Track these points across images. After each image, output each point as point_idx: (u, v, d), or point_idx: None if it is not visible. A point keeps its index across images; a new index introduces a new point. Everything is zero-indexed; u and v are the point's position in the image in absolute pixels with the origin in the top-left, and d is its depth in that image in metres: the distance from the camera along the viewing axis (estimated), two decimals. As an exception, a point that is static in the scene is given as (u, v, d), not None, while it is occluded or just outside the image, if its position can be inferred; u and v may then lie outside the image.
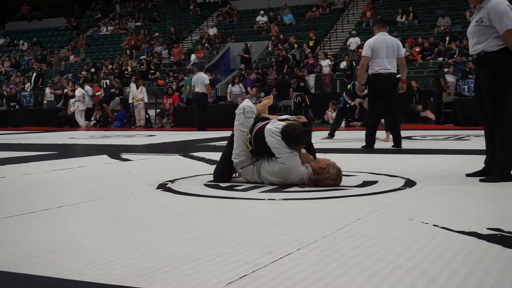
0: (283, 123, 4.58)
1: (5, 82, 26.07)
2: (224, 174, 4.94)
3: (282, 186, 4.53)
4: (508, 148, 4.67)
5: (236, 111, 4.86)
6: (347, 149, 8.19)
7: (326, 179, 4.44)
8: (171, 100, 18.89)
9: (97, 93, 20.60)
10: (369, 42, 8.14)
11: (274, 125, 4.55)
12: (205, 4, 31.52)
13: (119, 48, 28.49)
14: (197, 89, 16.11)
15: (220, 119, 15.77)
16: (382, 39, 8.02)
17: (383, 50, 7.90)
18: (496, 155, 4.77)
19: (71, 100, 20.16)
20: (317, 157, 4.71)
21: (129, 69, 24.15)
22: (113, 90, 20.21)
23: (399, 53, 8.02)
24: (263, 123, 4.68)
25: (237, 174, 4.95)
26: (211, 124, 15.90)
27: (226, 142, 5.12)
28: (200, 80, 16.07)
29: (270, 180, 4.57)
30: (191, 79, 19.77)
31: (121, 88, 19.99)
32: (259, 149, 4.63)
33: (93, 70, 24.39)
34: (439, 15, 22.85)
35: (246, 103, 4.93)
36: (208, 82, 16.49)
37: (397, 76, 8.22)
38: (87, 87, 20.40)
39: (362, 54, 8.20)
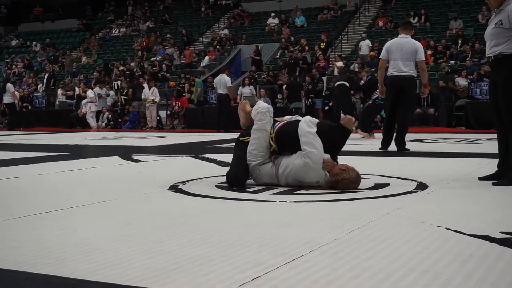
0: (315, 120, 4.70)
1: (17, 83, 26.20)
2: (243, 178, 4.82)
3: (293, 188, 4.54)
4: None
5: (258, 110, 4.78)
6: (359, 152, 8.17)
7: (345, 179, 4.41)
8: (179, 102, 18.91)
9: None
10: (386, 44, 8.22)
11: (310, 118, 4.67)
12: (216, 6, 31.55)
13: (131, 49, 28.57)
14: (219, 91, 16.31)
15: (232, 121, 15.83)
16: (399, 41, 8.01)
17: (398, 53, 7.89)
18: (509, 159, 4.74)
19: (83, 101, 20.26)
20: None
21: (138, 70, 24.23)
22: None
23: (417, 56, 7.95)
24: (283, 122, 4.77)
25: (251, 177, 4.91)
26: (222, 126, 16.00)
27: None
28: (223, 82, 16.27)
29: (286, 177, 4.55)
30: (202, 81, 19.89)
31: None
32: (283, 145, 4.67)
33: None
34: (451, 18, 22.74)
35: (266, 104, 4.93)
36: (231, 85, 16.66)
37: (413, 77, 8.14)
38: (97, 88, 20.46)
39: (380, 57, 8.32)
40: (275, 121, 4.83)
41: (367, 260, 2.44)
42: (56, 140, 13.24)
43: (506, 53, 4.69)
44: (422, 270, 2.29)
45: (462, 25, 22.03)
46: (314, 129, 4.54)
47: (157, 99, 18.73)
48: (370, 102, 11.44)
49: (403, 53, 7.89)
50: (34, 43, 33.03)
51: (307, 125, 4.56)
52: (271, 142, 4.70)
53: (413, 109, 14.59)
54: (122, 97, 20.34)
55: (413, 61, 7.95)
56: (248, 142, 4.78)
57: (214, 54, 24.86)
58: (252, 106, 5.08)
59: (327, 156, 4.54)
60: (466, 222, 3.20)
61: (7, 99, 20.00)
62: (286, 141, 4.66)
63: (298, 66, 20.50)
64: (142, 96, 18.98)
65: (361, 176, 4.58)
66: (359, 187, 4.50)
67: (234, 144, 5.06)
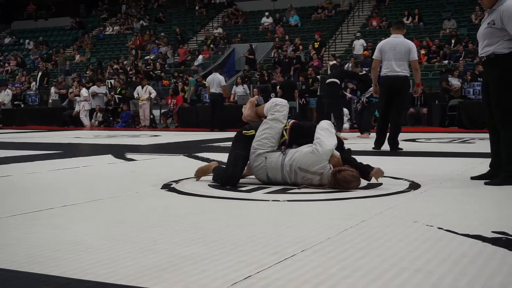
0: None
1: (10, 81, 26.12)
2: (238, 179, 4.80)
3: (286, 187, 4.54)
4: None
5: (277, 102, 4.84)
6: (352, 151, 8.17)
7: (347, 171, 4.40)
8: (175, 100, 18.92)
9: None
10: (379, 44, 8.23)
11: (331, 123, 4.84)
12: (210, 5, 31.53)
13: (125, 48, 28.52)
14: (212, 90, 16.24)
15: (226, 120, 15.84)
16: (392, 41, 8.02)
17: (391, 53, 7.90)
18: (501, 159, 4.75)
19: (77, 98, 20.19)
20: None
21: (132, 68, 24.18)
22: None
23: (410, 56, 7.96)
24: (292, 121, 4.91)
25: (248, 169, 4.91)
26: (216, 125, 15.98)
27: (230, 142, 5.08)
28: (216, 81, 16.21)
29: (291, 164, 4.53)
30: (195, 80, 19.87)
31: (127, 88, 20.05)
32: (296, 138, 4.71)
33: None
34: (445, 17, 22.81)
35: (281, 99, 5.00)
36: (225, 84, 16.61)
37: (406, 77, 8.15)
38: (94, 87, 20.38)
39: (373, 57, 8.33)
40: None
41: (359, 260, 2.45)
42: (49, 138, 13.20)
43: (498, 53, 4.70)
44: (414, 270, 2.29)
45: (456, 25, 22.09)
46: (334, 131, 4.67)
47: (153, 95, 18.72)
48: (366, 100, 11.45)
49: (396, 53, 7.91)
50: (27, 41, 32.92)
51: (328, 125, 4.69)
52: (284, 133, 4.73)
53: (406, 108, 14.62)
54: (116, 96, 20.27)
55: (406, 61, 7.97)
56: (250, 135, 4.78)
57: (208, 53, 24.85)
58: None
59: (337, 153, 4.56)
60: (458, 221, 3.21)
61: None
62: (300, 135, 4.71)
63: (292, 66, 20.50)
64: (135, 95, 18.93)
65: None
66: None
67: (228, 143, 5.04)
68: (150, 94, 18.63)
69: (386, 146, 8.10)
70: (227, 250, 2.63)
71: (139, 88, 18.85)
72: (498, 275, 2.23)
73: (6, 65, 30.12)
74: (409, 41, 8.24)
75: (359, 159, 4.90)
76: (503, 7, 4.68)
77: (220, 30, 27.42)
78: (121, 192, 4.55)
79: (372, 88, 11.16)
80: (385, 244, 2.71)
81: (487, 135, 5.09)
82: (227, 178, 4.79)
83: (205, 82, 18.70)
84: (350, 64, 19.09)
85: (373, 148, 8.20)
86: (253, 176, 4.89)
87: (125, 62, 25.07)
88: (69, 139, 12.55)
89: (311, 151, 4.50)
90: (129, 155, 7.95)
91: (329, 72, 19.27)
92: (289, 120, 4.88)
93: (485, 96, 4.93)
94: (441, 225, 3.09)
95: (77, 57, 28.93)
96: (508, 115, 4.69)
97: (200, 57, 24.49)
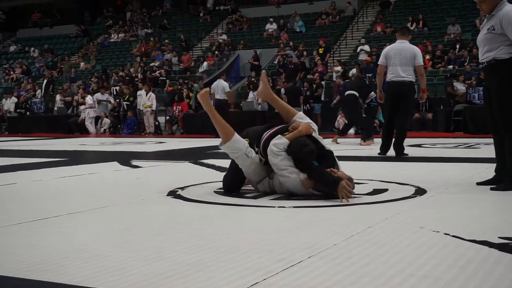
0: (285, 141, 4.41)
1: (16, 89, 26.20)
2: (236, 188, 4.79)
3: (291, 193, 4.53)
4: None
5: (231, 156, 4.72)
6: (357, 157, 8.17)
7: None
8: (180, 107, 18.93)
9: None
10: (384, 50, 8.24)
11: (276, 142, 4.41)
12: (215, 12, 31.58)
13: (129, 55, 28.58)
14: (217, 96, 16.21)
15: (231, 126, 15.79)
16: (397, 46, 8.02)
17: (397, 58, 7.90)
18: (506, 164, 4.74)
19: (82, 107, 20.24)
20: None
21: (139, 75, 24.21)
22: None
23: (415, 61, 7.95)
24: (268, 134, 4.58)
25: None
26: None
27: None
28: (220, 87, 16.18)
29: (284, 189, 4.50)
30: (199, 86, 19.86)
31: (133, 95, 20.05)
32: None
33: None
34: (449, 22, 22.79)
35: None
36: (229, 90, 16.58)
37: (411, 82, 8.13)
38: (98, 94, 20.41)
39: (378, 62, 8.34)
40: (266, 129, 4.68)
41: (366, 266, 2.44)
42: (54, 146, 13.24)
43: (499, 58, 4.70)
44: (420, 276, 2.29)
45: (460, 30, 22.07)
46: (279, 157, 4.35)
47: (154, 106, 18.64)
48: (366, 106, 11.54)
49: (402, 58, 7.90)
50: (32, 48, 33.02)
51: (273, 156, 4.39)
52: (261, 156, 4.57)
53: (412, 114, 14.61)
54: (124, 102, 20.26)
55: (411, 66, 7.95)
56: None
57: (213, 59, 24.87)
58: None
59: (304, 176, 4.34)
60: (465, 227, 3.20)
61: None
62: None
63: (298, 72, 20.50)
64: (140, 104, 18.95)
65: (360, 181, 4.56)
66: (357, 193, 4.47)
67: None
68: (152, 102, 18.58)
69: (391, 152, 8.08)
70: (233, 257, 2.63)
71: (143, 95, 18.84)
72: (505, 280, 2.22)
73: (12, 73, 30.21)
74: (415, 47, 8.23)
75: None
76: (503, 12, 4.68)
77: (224, 36, 27.45)
78: (127, 199, 4.56)
79: (372, 93, 11.27)
80: (392, 250, 2.71)
81: (492, 140, 5.08)
82: (225, 185, 4.81)
83: (211, 89, 18.64)
84: (355, 70, 19.12)
85: (378, 154, 8.18)
86: None
87: (131, 70, 25.12)
88: (75, 147, 12.58)
89: (292, 185, 4.37)
90: (134, 162, 7.96)
91: (334, 79, 19.29)
92: (262, 136, 4.60)
93: (487, 100, 4.93)
94: (448, 230, 3.08)
95: (82, 64, 29.00)
96: (510, 120, 4.67)
97: (205, 63, 24.51)
